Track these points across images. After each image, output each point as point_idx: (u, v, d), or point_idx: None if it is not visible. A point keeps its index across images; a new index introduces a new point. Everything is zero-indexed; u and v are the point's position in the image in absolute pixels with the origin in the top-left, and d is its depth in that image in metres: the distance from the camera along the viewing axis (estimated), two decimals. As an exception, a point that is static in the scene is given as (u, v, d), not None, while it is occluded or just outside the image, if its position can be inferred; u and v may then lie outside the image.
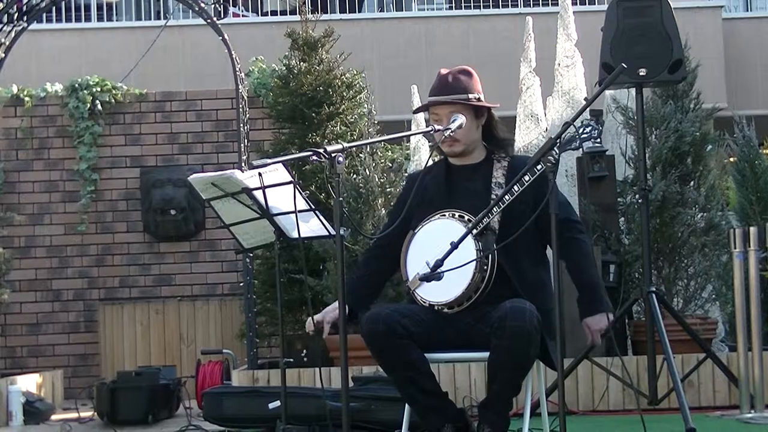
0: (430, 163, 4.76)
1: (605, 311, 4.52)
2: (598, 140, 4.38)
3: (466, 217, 4.42)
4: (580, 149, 4.35)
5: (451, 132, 4.46)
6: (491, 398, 4.37)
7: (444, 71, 4.66)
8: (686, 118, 7.78)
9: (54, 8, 10.82)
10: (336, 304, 4.49)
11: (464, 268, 4.33)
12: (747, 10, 18.00)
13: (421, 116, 9.43)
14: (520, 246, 4.36)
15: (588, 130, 4.33)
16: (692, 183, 7.83)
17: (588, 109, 4.33)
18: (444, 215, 4.50)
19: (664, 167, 7.71)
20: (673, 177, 7.66)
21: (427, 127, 4.62)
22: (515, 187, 4.36)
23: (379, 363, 4.47)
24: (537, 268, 4.53)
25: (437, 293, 4.41)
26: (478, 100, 4.60)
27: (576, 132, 4.30)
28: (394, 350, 4.34)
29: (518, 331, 4.17)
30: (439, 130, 4.47)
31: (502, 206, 4.36)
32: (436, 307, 4.43)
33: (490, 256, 4.37)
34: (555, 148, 4.17)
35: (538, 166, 4.27)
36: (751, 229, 6.55)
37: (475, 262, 4.33)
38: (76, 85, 10.15)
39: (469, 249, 4.34)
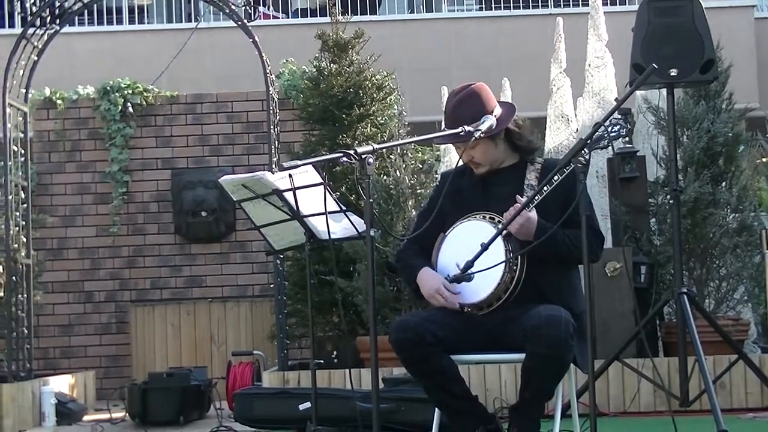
0: (461, 163, 4.73)
1: (537, 223, 4.33)
2: (627, 137, 4.34)
3: (497, 219, 4.41)
4: (610, 147, 4.32)
5: (482, 133, 4.42)
6: (523, 403, 4.35)
7: (453, 96, 4.56)
8: (718, 118, 7.74)
9: (86, 11, 10.89)
10: (428, 272, 4.50)
11: (494, 269, 4.32)
12: (779, 10, 17.88)
13: (451, 117, 9.42)
14: (552, 255, 4.35)
15: (617, 129, 4.31)
16: (724, 184, 7.79)
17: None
18: (475, 217, 4.48)
19: (696, 168, 7.67)
20: (705, 178, 7.62)
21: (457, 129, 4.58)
22: (545, 188, 4.34)
23: (408, 371, 4.46)
24: (566, 271, 4.51)
25: (467, 295, 4.40)
26: (492, 113, 4.50)
27: (605, 130, 4.27)
28: (423, 358, 4.33)
29: (554, 340, 4.15)
30: (470, 131, 4.43)
31: (531, 206, 4.34)
32: (465, 309, 4.42)
33: (519, 256, 4.35)
34: (589, 150, 4.16)
35: (568, 166, 4.26)
36: (784, 229, 6.52)
37: (504, 260, 4.32)
38: (108, 88, 10.21)
39: (498, 250, 4.33)
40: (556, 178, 4.29)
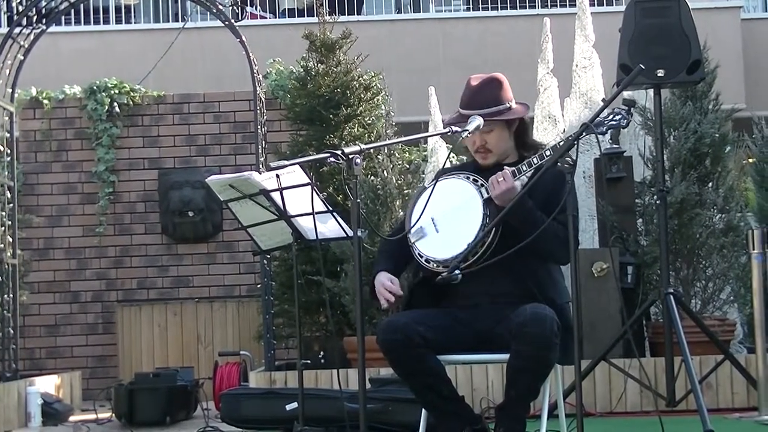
0: (448, 164, 4.75)
1: (520, 194, 4.31)
2: (626, 128, 4.34)
3: (480, 182, 4.43)
4: (598, 148, 4.33)
5: (468, 133, 4.44)
6: (509, 402, 4.35)
7: (474, 82, 4.62)
8: (705, 119, 7.76)
9: (72, 11, 10.86)
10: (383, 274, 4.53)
11: (467, 231, 4.31)
12: (766, 11, 17.92)
13: (438, 118, 9.42)
14: (529, 243, 4.34)
15: (617, 118, 4.32)
16: (711, 184, 7.81)
17: (622, 98, 4.31)
18: (458, 175, 4.50)
19: (683, 168, 7.69)
20: (692, 178, 7.64)
21: (444, 128, 4.60)
22: (534, 159, 4.37)
23: (396, 371, 4.46)
24: (546, 265, 4.52)
25: (437, 250, 4.40)
26: (509, 109, 4.58)
27: (603, 118, 4.28)
28: (411, 359, 4.34)
29: (538, 338, 4.16)
30: (456, 131, 4.46)
31: (519, 176, 4.36)
32: (432, 265, 4.40)
33: (494, 225, 4.35)
34: (576, 150, 4.16)
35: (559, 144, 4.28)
36: (770, 230, 6.52)
37: (479, 225, 4.32)
38: (95, 88, 10.19)
39: (476, 212, 4.34)
40: (548, 153, 4.33)
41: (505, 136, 4.61)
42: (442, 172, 4.71)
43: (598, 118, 4.26)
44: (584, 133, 4.17)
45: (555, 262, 4.53)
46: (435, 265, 4.41)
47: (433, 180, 4.56)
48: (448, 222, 4.40)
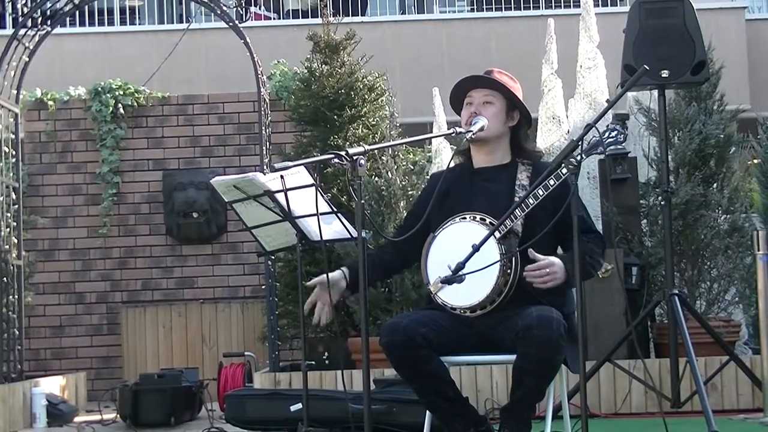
0: (452, 164, 4.74)
1: (566, 270, 4.28)
2: (623, 143, 4.34)
3: (488, 220, 4.39)
4: (604, 153, 4.32)
5: (473, 135, 4.45)
6: (514, 403, 4.34)
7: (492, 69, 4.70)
8: (710, 120, 7.75)
9: (77, 12, 10.87)
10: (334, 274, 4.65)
11: (488, 272, 4.29)
12: (770, 11, 17.93)
13: (443, 119, 9.42)
14: (540, 250, 4.33)
15: (614, 134, 4.31)
16: (716, 185, 7.80)
17: (614, 111, 4.31)
18: (465, 218, 4.46)
19: (688, 169, 7.68)
20: (697, 179, 7.63)
21: (449, 129, 4.59)
22: (539, 191, 4.32)
23: (399, 374, 4.44)
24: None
25: (461, 297, 4.38)
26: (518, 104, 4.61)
27: (600, 137, 4.27)
28: (414, 361, 4.32)
29: (545, 340, 4.14)
30: (460, 132, 4.46)
31: (527, 210, 4.32)
32: (459, 312, 4.41)
33: (513, 259, 4.34)
34: (580, 151, 4.15)
35: (563, 171, 4.23)
36: (775, 231, 6.51)
37: (498, 265, 4.31)
38: (99, 89, 10.20)
39: (492, 252, 4.31)
40: (552, 183, 4.29)
41: (500, 119, 4.58)
42: (437, 177, 4.72)
43: (596, 138, 4.24)
44: (584, 155, 4.15)
45: None
46: (462, 311, 4.40)
47: (433, 198, 4.54)
48: (467, 267, 4.35)
